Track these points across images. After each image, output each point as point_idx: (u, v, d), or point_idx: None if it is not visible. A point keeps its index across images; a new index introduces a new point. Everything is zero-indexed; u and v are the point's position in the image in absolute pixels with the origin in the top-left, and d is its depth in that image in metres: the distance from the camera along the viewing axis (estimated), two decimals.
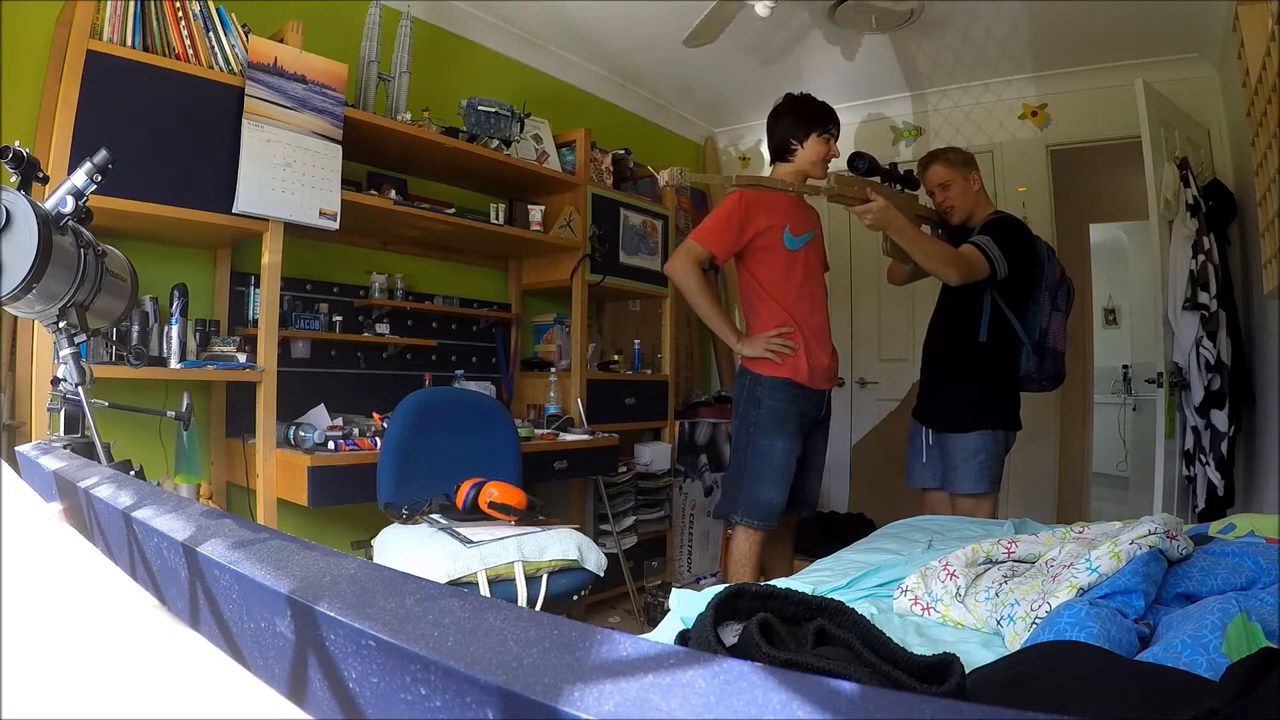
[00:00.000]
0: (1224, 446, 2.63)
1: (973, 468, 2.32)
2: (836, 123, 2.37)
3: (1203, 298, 2.64)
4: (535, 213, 2.96)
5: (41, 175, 1.07)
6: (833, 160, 2.37)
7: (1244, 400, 2.77)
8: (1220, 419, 2.64)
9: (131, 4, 1.87)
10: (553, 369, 3.11)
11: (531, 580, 1.84)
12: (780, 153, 2.37)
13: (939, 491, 2.45)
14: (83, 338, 1.12)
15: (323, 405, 2.36)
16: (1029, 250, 2.35)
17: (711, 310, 2.30)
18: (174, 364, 2.01)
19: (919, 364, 2.58)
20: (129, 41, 1.87)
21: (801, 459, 2.33)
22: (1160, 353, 2.71)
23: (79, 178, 1.05)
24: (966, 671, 0.81)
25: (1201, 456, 2.67)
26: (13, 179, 1.02)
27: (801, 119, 2.33)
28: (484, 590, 1.75)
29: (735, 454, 2.38)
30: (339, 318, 2.56)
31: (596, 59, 3.55)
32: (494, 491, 1.95)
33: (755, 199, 2.29)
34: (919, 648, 1.08)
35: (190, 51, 1.97)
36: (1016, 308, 2.35)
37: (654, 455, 3.31)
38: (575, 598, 1.96)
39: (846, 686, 0.19)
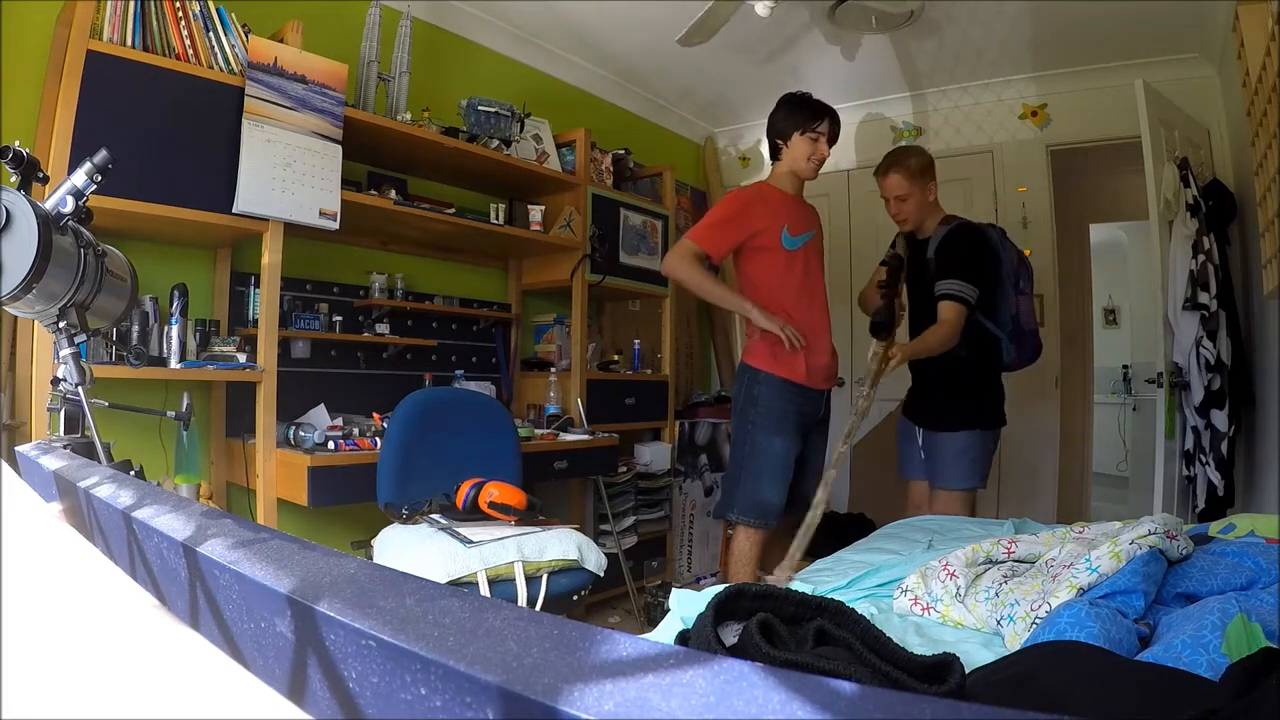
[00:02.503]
0: (1224, 446, 2.63)
1: (964, 464, 2.39)
2: (825, 120, 2.32)
3: (1203, 298, 2.63)
4: (535, 213, 2.96)
5: (41, 175, 1.07)
6: (824, 160, 2.34)
7: (1244, 400, 2.77)
8: (1220, 419, 2.64)
9: (131, 4, 1.87)
10: (553, 369, 3.11)
11: (531, 580, 1.84)
12: (773, 152, 2.38)
13: (922, 482, 2.53)
14: (83, 338, 1.12)
15: (323, 405, 2.36)
16: (986, 253, 2.39)
17: (717, 289, 2.33)
18: (174, 364, 2.01)
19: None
20: (129, 41, 1.86)
21: (801, 458, 2.33)
22: (1160, 353, 2.71)
23: (79, 178, 1.05)
24: (966, 671, 0.81)
25: (1201, 456, 2.67)
26: (13, 179, 1.02)
27: (787, 118, 2.32)
28: (484, 590, 1.75)
29: (734, 452, 2.38)
30: (339, 318, 2.56)
31: (596, 59, 3.55)
32: (494, 491, 1.95)
33: (754, 197, 2.29)
34: (919, 648, 1.08)
35: (190, 51, 1.97)
36: (986, 306, 2.39)
37: (654, 455, 3.31)
38: (575, 598, 1.96)
39: (846, 686, 0.19)
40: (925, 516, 2.17)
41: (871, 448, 4.01)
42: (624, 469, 3.13)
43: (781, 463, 2.26)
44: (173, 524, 0.42)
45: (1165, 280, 2.72)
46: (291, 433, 2.16)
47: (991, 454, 2.46)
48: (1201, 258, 2.66)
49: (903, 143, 3.92)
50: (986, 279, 2.35)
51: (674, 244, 3.57)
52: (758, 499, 2.24)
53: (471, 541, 1.79)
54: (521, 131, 2.87)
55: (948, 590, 1.27)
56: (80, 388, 1.11)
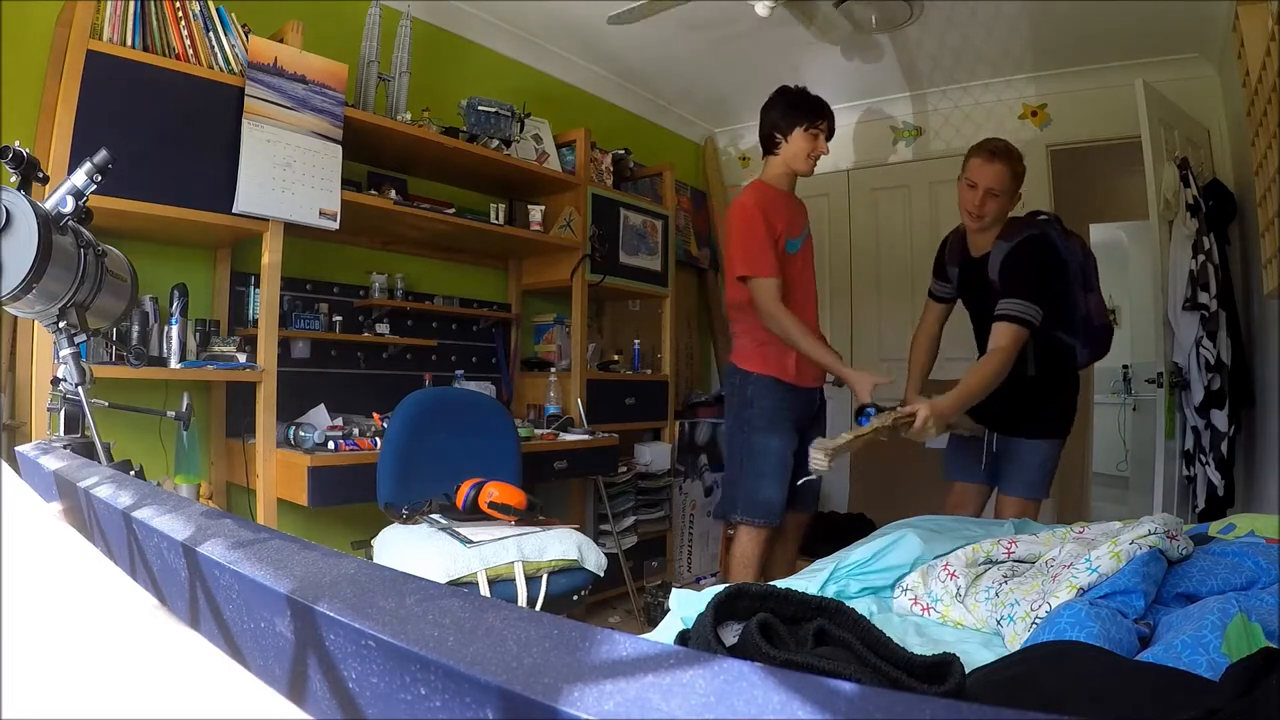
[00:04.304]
0: (1224, 446, 2.63)
1: (1041, 473, 2.28)
2: (826, 118, 2.29)
3: (1203, 298, 2.63)
4: (535, 213, 2.96)
5: (41, 175, 1.07)
6: (821, 158, 2.31)
7: (1244, 400, 2.77)
8: (1220, 419, 2.64)
9: (131, 4, 1.87)
10: (553, 369, 3.11)
11: (531, 580, 1.84)
12: (767, 145, 2.34)
13: (973, 485, 2.36)
14: (83, 338, 1.12)
15: (323, 405, 2.36)
16: (1056, 269, 2.16)
17: (815, 349, 2.17)
18: (174, 364, 2.01)
19: None
20: (129, 41, 1.86)
21: (800, 454, 2.31)
22: (1160, 353, 2.71)
23: (79, 178, 1.05)
24: (966, 671, 0.81)
25: (1201, 456, 2.67)
26: (13, 179, 1.02)
27: (788, 111, 2.28)
28: (484, 590, 1.75)
29: (731, 453, 2.37)
30: (339, 318, 2.56)
31: (596, 59, 3.55)
32: (494, 491, 1.95)
33: (764, 203, 2.24)
34: (919, 648, 1.08)
35: (190, 51, 1.97)
36: (1057, 318, 2.18)
37: (654, 455, 3.31)
38: (575, 598, 1.96)
39: (846, 686, 0.19)
40: (925, 516, 2.14)
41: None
42: (624, 469, 3.13)
43: (780, 461, 2.25)
44: (173, 524, 0.42)
45: (1165, 280, 2.72)
46: (291, 433, 2.16)
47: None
48: (1201, 258, 2.66)
49: (902, 143, 3.92)
50: (1057, 294, 2.14)
51: (675, 245, 3.60)
52: (760, 498, 2.24)
53: (471, 541, 1.79)
54: (521, 131, 2.87)
55: (948, 590, 1.27)
56: (80, 388, 1.11)
